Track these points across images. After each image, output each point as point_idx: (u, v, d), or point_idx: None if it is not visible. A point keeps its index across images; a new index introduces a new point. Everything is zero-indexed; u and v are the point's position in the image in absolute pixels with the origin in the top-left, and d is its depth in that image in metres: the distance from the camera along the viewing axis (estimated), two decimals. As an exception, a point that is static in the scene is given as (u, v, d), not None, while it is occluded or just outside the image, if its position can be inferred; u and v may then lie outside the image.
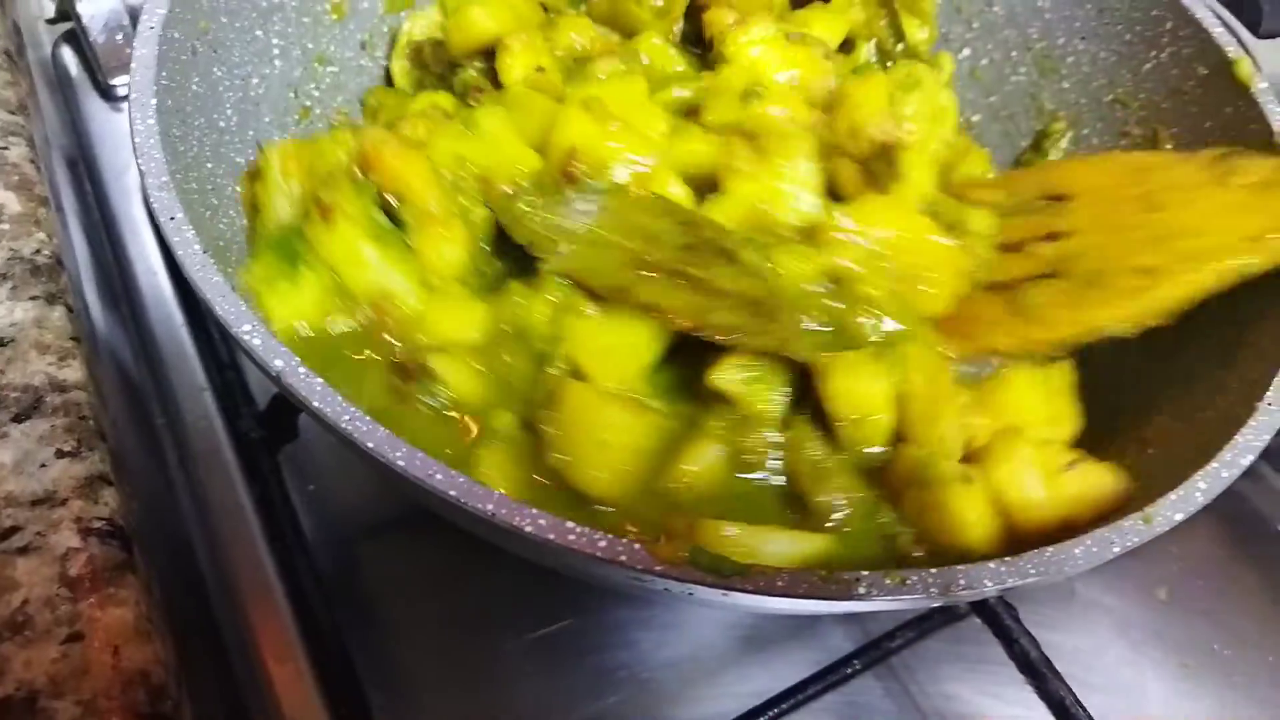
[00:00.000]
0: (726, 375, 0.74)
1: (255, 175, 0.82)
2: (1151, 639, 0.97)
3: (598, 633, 0.92)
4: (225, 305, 0.65)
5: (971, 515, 0.69)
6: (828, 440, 0.75)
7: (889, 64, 1.09)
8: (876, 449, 0.75)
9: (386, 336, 0.75)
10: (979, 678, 0.92)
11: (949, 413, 0.75)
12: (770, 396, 0.74)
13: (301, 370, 0.62)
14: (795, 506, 0.73)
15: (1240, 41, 0.96)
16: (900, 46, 1.08)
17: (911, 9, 1.07)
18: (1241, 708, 0.94)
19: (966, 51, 1.16)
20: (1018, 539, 0.71)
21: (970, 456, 0.76)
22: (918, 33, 1.08)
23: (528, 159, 0.83)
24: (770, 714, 0.80)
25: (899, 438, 0.76)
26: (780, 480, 0.74)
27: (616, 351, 0.76)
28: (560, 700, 0.89)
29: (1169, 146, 0.98)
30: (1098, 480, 0.74)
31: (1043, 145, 1.10)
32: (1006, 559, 0.61)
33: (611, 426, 0.71)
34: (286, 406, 0.91)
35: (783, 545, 0.67)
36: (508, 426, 0.74)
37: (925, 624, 0.86)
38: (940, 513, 0.69)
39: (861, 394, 0.73)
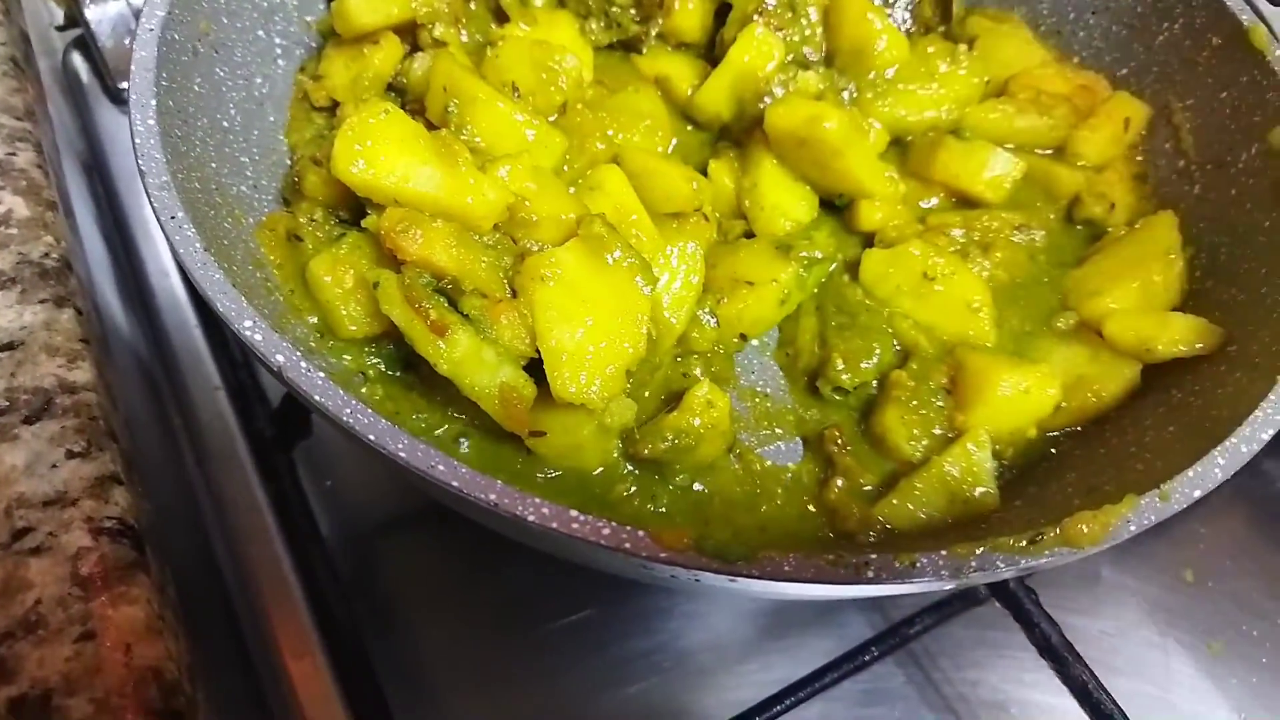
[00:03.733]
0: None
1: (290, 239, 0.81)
2: (1178, 621, 0.96)
3: (618, 623, 0.92)
4: (226, 302, 0.65)
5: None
6: None
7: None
8: None
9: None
10: (1002, 663, 0.90)
11: None
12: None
13: (303, 365, 0.62)
14: None
15: (1255, 9, 0.94)
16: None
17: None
18: (1269, 687, 0.92)
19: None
20: None
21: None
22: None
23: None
24: (789, 701, 0.80)
25: None
26: None
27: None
28: (581, 690, 0.89)
29: (1184, 119, 0.97)
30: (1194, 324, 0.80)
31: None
32: (1021, 539, 0.60)
33: None
34: (300, 404, 0.91)
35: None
36: None
37: (945, 609, 0.85)
38: None
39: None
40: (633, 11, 0.99)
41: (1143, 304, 0.86)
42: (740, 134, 0.96)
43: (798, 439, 0.85)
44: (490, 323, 0.68)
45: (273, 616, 0.84)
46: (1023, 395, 0.79)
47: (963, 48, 1.00)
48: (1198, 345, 0.80)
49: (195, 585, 0.77)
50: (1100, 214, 0.95)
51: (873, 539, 0.74)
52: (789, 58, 0.95)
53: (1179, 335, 0.80)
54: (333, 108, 0.93)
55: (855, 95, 0.96)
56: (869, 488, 0.80)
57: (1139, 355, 0.82)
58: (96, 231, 1.11)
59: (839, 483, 0.78)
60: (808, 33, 0.96)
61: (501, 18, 0.98)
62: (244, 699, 0.83)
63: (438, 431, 0.75)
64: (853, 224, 0.94)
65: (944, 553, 0.58)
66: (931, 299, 0.86)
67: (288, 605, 0.84)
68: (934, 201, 0.96)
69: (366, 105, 0.73)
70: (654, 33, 0.99)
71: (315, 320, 0.77)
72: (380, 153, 0.73)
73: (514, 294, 0.71)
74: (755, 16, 0.94)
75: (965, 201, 0.96)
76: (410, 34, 0.94)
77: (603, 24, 0.98)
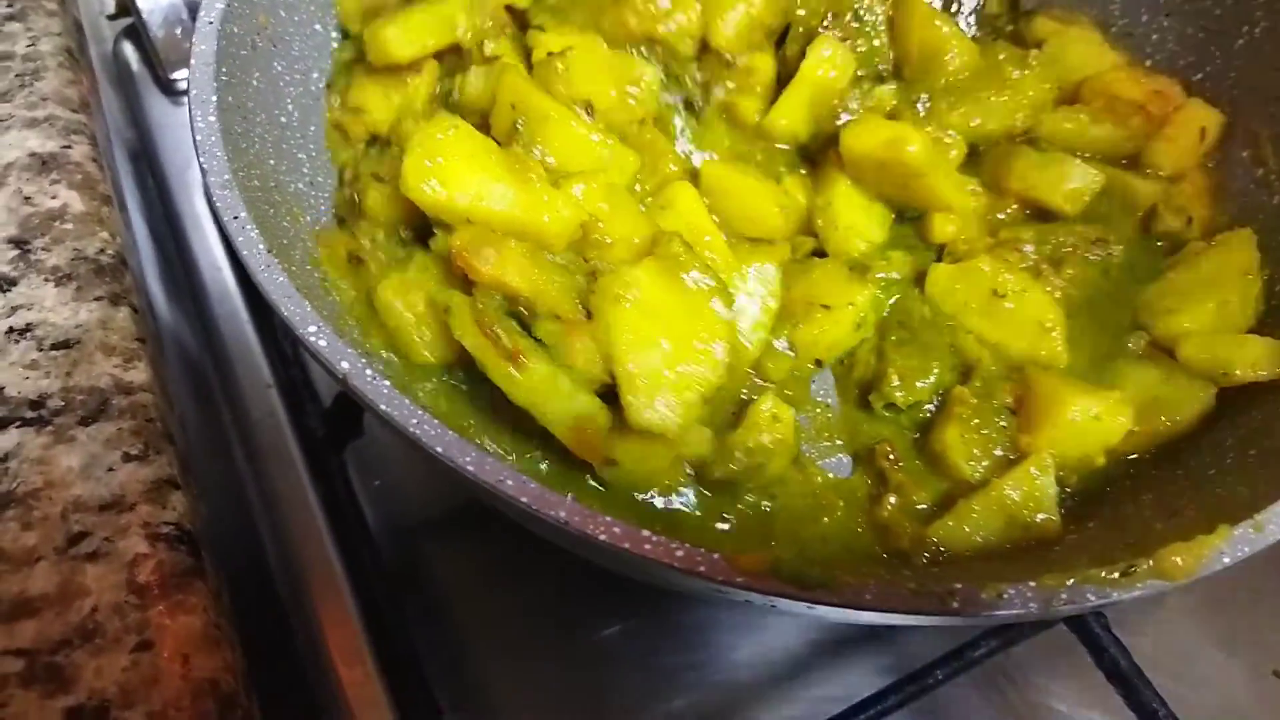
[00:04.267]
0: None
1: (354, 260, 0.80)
2: (1243, 646, 0.93)
3: (667, 632, 0.90)
4: (291, 307, 0.63)
5: None
6: None
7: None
8: None
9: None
10: (1067, 687, 0.88)
11: None
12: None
13: (368, 373, 0.61)
14: None
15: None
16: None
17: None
18: (1340, 714, 0.89)
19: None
20: None
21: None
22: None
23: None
24: (850, 722, 0.78)
25: None
26: None
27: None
28: (631, 699, 0.87)
29: (1262, 126, 0.94)
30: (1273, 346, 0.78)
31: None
32: (1113, 571, 0.57)
33: None
34: (351, 404, 0.90)
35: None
36: None
37: (1012, 632, 0.82)
38: None
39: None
40: (696, 72, 0.93)
41: (1219, 325, 0.83)
42: (815, 151, 0.93)
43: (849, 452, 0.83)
44: (565, 348, 0.66)
45: (323, 616, 0.83)
46: (1093, 422, 0.76)
47: (1034, 51, 0.97)
48: (1276, 370, 0.77)
49: (245, 584, 0.76)
50: (1178, 227, 0.92)
51: (926, 560, 0.72)
52: (860, 71, 0.92)
53: (1257, 359, 0.77)
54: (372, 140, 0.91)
55: (929, 106, 0.93)
56: (922, 506, 0.77)
57: (1214, 379, 0.79)
58: (144, 222, 1.10)
59: (891, 500, 0.76)
60: (876, 43, 0.93)
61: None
62: (293, 699, 0.82)
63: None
64: (925, 234, 0.91)
65: (1033, 584, 0.56)
66: (1001, 316, 0.84)
67: (339, 607, 0.83)
68: (1007, 213, 0.93)
69: (434, 121, 0.71)
70: (718, 97, 0.94)
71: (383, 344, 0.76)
72: (452, 170, 0.71)
73: (588, 315, 0.69)
74: (821, 29, 0.91)
75: (1040, 213, 0.93)
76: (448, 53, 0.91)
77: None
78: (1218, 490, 0.72)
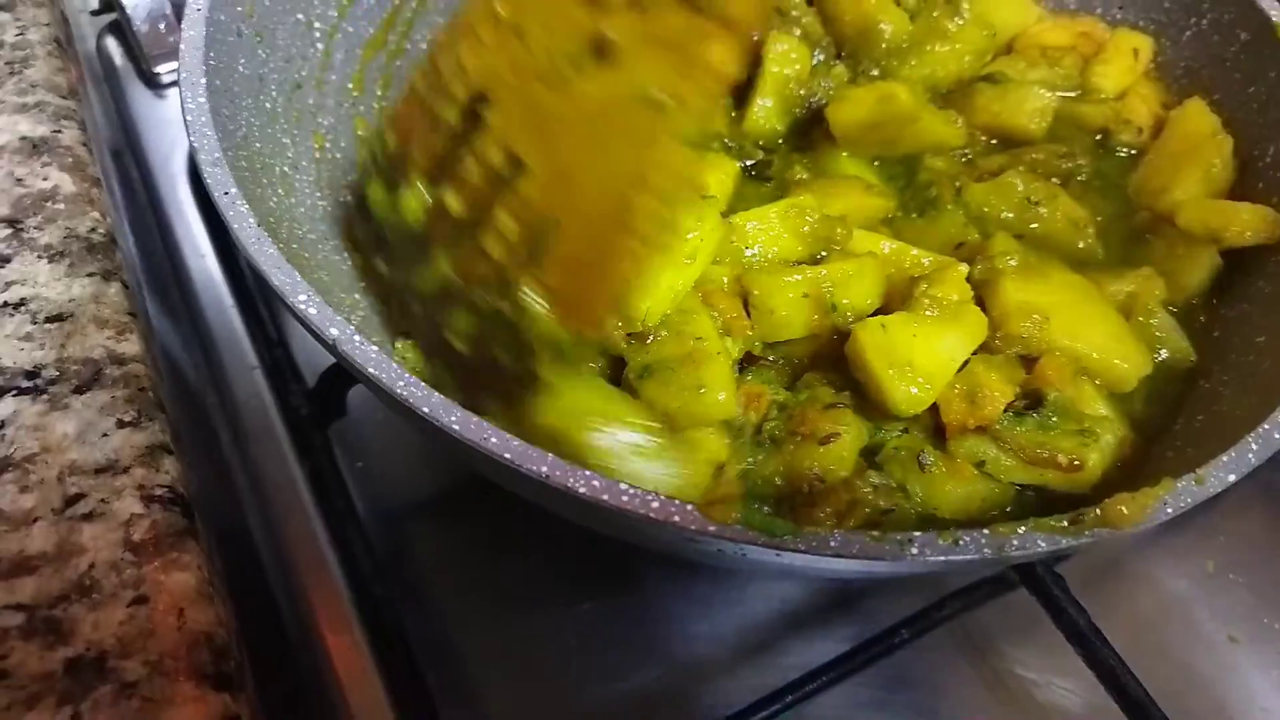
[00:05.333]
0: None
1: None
2: (1200, 612, 0.96)
3: (644, 606, 0.93)
4: (282, 277, 0.66)
5: None
6: None
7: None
8: None
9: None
10: (1027, 649, 0.91)
11: None
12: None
13: (356, 338, 0.64)
14: None
15: (1286, 5, 0.95)
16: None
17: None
18: (1291, 678, 0.93)
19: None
20: None
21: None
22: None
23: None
24: (816, 684, 0.81)
25: None
26: None
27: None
28: (607, 672, 0.89)
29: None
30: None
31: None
32: (1062, 520, 0.61)
33: None
34: (336, 383, 0.92)
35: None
36: None
37: (974, 594, 0.85)
38: None
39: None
40: None
41: (1208, 189, 0.92)
42: (797, 141, 0.98)
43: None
44: None
45: (310, 593, 0.85)
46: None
47: (964, 6, 1.03)
48: (1264, 235, 0.86)
49: (233, 563, 0.78)
50: (1130, 139, 0.99)
51: None
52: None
53: (1245, 224, 0.86)
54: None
55: (882, 68, 1.00)
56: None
57: (1215, 241, 0.88)
58: (126, 215, 1.12)
59: None
60: (810, 31, 0.99)
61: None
62: (282, 670, 0.84)
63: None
64: (916, 180, 0.96)
65: (985, 531, 0.59)
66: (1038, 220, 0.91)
67: (326, 581, 0.85)
68: (976, 149, 1.00)
69: None
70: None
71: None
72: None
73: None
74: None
75: (1006, 142, 0.99)
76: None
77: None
78: (1167, 454, 0.76)
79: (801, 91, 0.96)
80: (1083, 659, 0.81)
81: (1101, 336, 0.81)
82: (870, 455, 0.76)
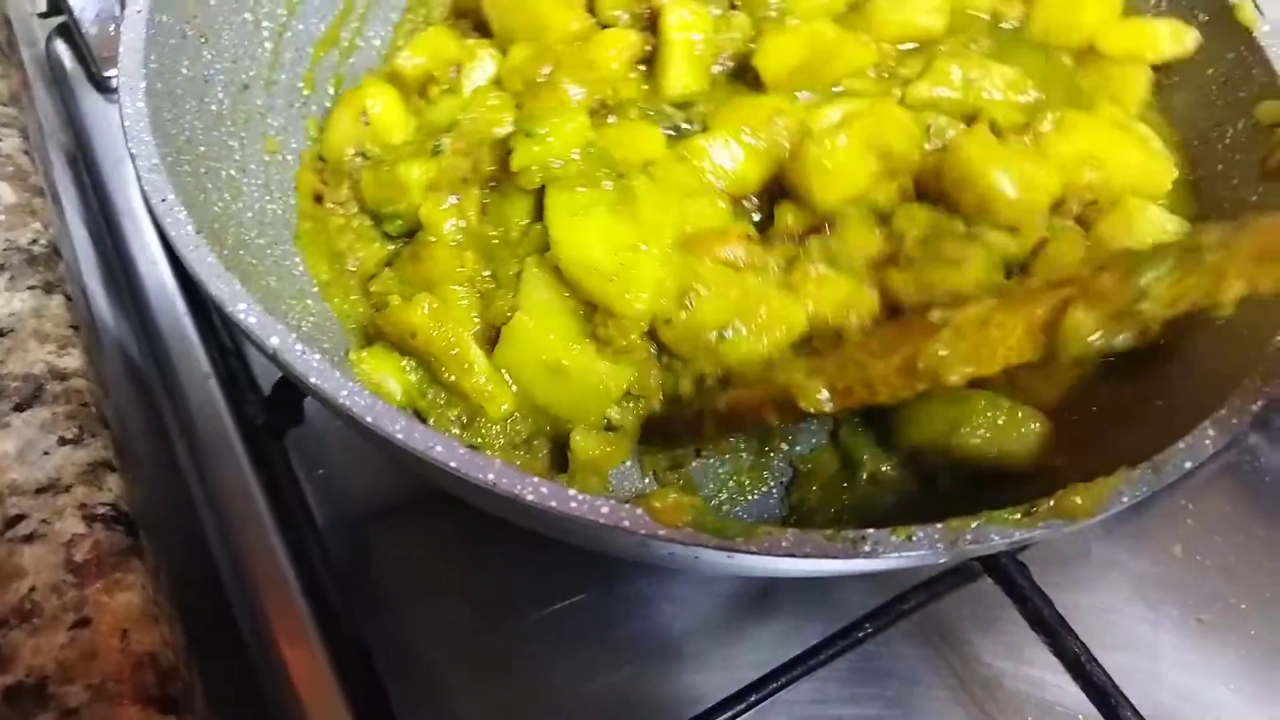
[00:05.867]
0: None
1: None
2: (1168, 596, 0.97)
3: (612, 606, 0.92)
4: (220, 285, 0.64)
5: None
6: None
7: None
8: None
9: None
10: (997, 638, 0.91)
11: None
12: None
13: (298, 346, 0.62)
14: None
15: (1242, -15, 0.95)
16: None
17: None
18: (1258, 660, 0.93)
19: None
20: None
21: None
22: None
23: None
24: (783, 679, 0.80)
25: None
26: None
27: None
28: (576, 674, 0.89)
29: (1171, 94, 0.98)
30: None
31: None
32: (1015, 513, 0.60)
33: None
34: (291, 391, 0.91)
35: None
36: None
37: (939, 585, 0.85)
38: None
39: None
40: None
41: (1112, 10, 0.98)
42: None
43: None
44: None
45: (267, 603, 0.84)
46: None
47: None
48: (1180, 48, 0.94)
49: (190, 575, 0.77)
50: (1015, 13, 1.03)
51: None
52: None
53: (1167, 35, 0.95)
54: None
55: (780, 9, 0.99)
56: None
57: (1138, 60, 0.95)
58: (81, 221, 1.10)
59: None
60: None
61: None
62: (238, 686, 0.83)
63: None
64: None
65: (939, 526, 0.58)
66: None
67: (282, 592, 0.83)
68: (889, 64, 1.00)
69: None
70: None
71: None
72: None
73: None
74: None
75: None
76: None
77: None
78: (1122, 442, 0.75)
79: (715, 49, 0.96)
80: (1048, 647, 0.81)
81: (1135, 154, 0.89)
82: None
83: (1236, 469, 1.05)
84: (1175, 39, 0.95)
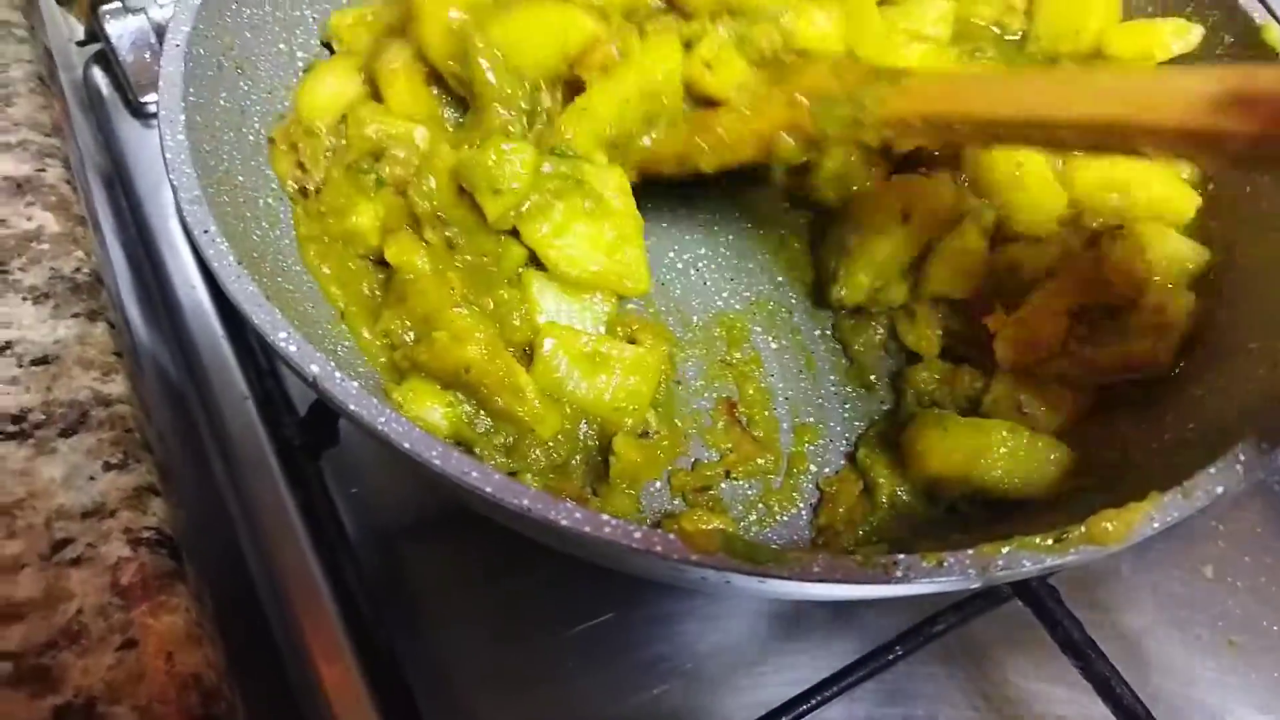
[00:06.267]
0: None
1: None
2: (1198, 617, 0.97)
3: (641, 625, 0.93)
4: (261, 315, 0.66)
5: None
6: None
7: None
8: None
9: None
10: (1026, 660, 0.91)
11: None
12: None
13: (337, 374, 0.64)
14: None
15: (1268, 7, 0.95)
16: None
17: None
18: (1292, 682, 0.93)
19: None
20: None
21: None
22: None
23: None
24: (813, 701, 0.80)
25: None
26: None
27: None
28: (606, 693, 0.90)
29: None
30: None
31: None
32: (1047, 539, 0.61)
33: None
34: (327, 412, 0.92)
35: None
36: None
37: (969, 608, 0.85)
38: None
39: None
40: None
41: (1112, 13, 1.00)
42: None
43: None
44: None
45: (304, 621, 0.85)
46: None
47: None
48: (1185, 43, 0.96)
49: (227, 593, 0.78)
50: (1019, 25, 1.04)
51: None
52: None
53: (1174, 33, 0.96)
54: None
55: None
56: None
57: (1148, 59, 0.96)
58: (118, 244, 1.12)
59: None
60: None
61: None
62: (277, 703, 0.84)
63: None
64: None
65: (970, 552, 0.59)
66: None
67: (319, 611, 0.85)
68: None
69: None
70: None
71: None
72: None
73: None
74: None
75: None
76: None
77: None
78: (1156, 464, 0.75)
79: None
80: (1078, 670, 0.81)
81: (1159, 183, 0.90)
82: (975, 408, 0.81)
83: (1267, 490, 1.05)
84: (1180, 35, 0.96)
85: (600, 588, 0.93)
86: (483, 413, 0.79)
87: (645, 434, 0.86)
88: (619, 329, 0.89)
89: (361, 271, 0.87)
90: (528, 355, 0.83)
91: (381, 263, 0.87)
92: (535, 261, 0.85)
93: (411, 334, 0.83)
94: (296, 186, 0.88)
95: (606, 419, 0.84)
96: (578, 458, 0.83)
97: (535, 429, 0.79)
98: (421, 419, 0.77)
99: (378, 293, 0.87)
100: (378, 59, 0.89)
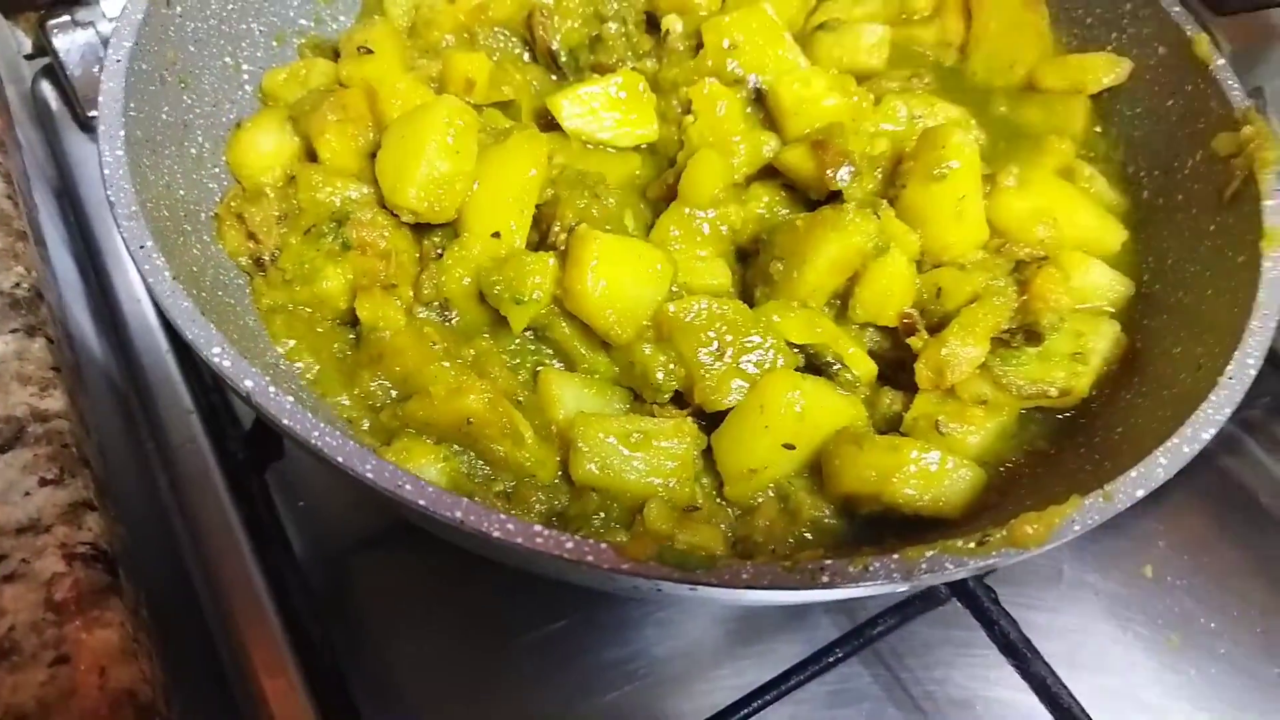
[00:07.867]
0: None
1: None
2: (1138, 616, 0.98)
3: (592, 632, 0.94)
4: (195, 330, 0.66)
5: None
6: None
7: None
8: None
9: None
10: (967, 661, 0.93)
11: None
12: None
13: (271, 390, 0.64)
14: None
15: (1199, 20, 0.97)
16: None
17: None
18: (1228, 678, 0.95)
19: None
20: None
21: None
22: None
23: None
24: (758, 703, 0.82)
25: None
26: None
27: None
28: (557, 700, 0.90)
29: (1131, 125, 1.00)
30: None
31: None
32: (969, 541, 0.62)
33: None
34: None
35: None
36: None
37: (908, 609, 0.86)
38: None
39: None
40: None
41: (1045, 46, 1.04)
42: None
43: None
44: None
45: (247, 636, 0.85)
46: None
47: None
48: (1114, 76, 1.00)
49: (170, 607, 0.78)
50: (954, 58, 1.08)
51: None
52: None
53: (1103, 68, 1.01)
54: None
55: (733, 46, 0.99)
56: None
57: (1079, 91, 1.01)
58: (69, 257, 1.12)
59: None
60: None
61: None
62: (218, 716, 0.84)
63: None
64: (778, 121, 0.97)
65: (895, 556, 0.60)
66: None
67: (262, 624, 0.85)
68: None
69: None
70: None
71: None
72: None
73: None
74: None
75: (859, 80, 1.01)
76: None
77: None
78: (1085, 468, 0.77)
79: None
80: (1015, 670, 0.83)
81: (1086, 216, 0.93)
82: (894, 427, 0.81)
83: (1206, 491, 1.07)
84: (1111, 69, 1.00)
85: (553, 596, 0.94)
86: (480, 462, 0.77)
87: (691, 508, 0.79)
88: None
89: (330, 333, 0.86)
90: (520, 404, 0.80)
91: (349, 322, 0.86)
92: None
93: (394, 392, 0.81)
94: (251, 259, 0.86)
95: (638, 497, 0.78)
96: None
97: (536, 474, 0.78)
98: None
99: (348, 352, 0.85)
100: (309, 117, 0.89)
